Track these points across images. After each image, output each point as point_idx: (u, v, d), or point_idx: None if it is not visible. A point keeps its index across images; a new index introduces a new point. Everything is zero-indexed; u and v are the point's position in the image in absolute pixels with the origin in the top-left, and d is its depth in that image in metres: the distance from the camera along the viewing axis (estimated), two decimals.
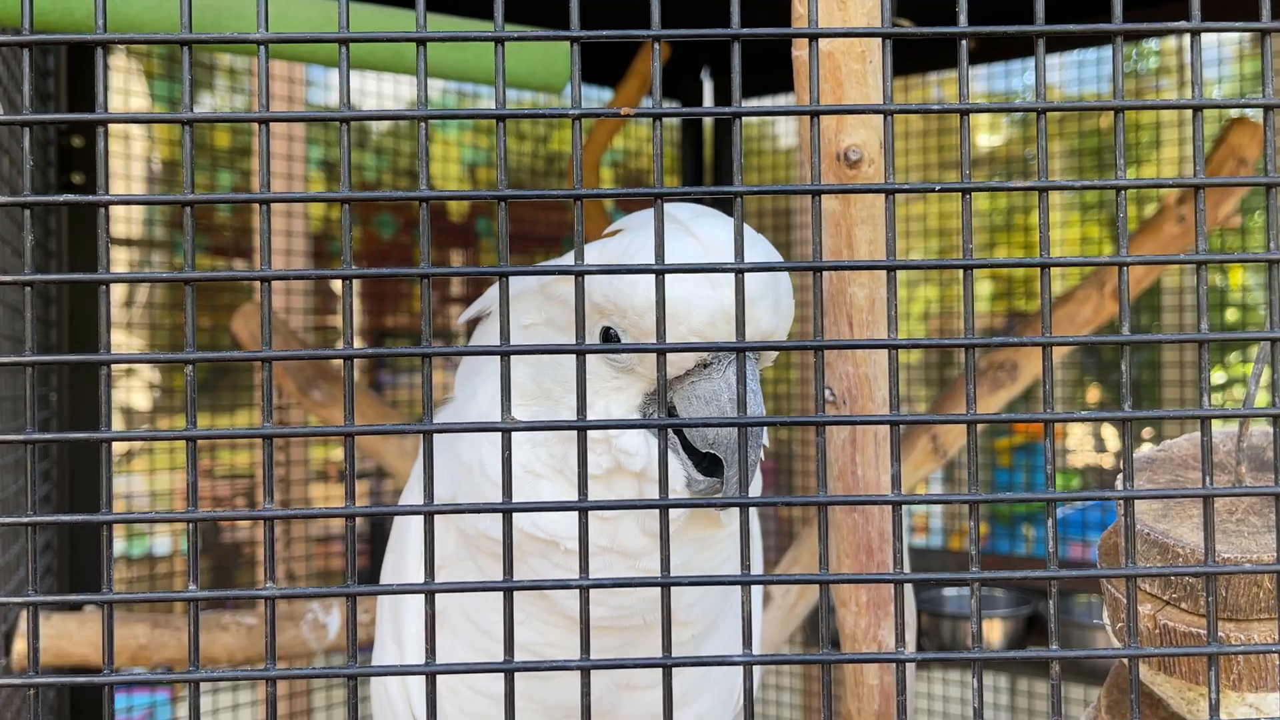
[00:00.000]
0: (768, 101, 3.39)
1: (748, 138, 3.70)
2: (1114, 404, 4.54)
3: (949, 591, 2.93)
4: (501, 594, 1.15)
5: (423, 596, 1.19)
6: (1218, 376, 4.05)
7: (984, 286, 4.45)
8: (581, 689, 0.70)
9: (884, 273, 1.07)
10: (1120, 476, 0.74)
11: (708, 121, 3.49)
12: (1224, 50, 3.42)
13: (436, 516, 0.75)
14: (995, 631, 2.75)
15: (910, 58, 2.96)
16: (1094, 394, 4.54)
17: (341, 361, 0.70)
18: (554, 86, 2.00)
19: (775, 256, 0.99)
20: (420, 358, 0.70)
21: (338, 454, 3.95)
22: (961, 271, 0.70)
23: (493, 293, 1.18)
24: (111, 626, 0.70)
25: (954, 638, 2.76)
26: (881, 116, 1.06)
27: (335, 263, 4.02)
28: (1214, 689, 0.70)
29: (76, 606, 1.91)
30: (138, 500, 3.58)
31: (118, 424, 3.59)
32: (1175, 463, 0.89)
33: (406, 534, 1.24)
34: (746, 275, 0.64)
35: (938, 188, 0.71)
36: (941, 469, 3.46)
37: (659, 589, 0.71)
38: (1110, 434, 4.47)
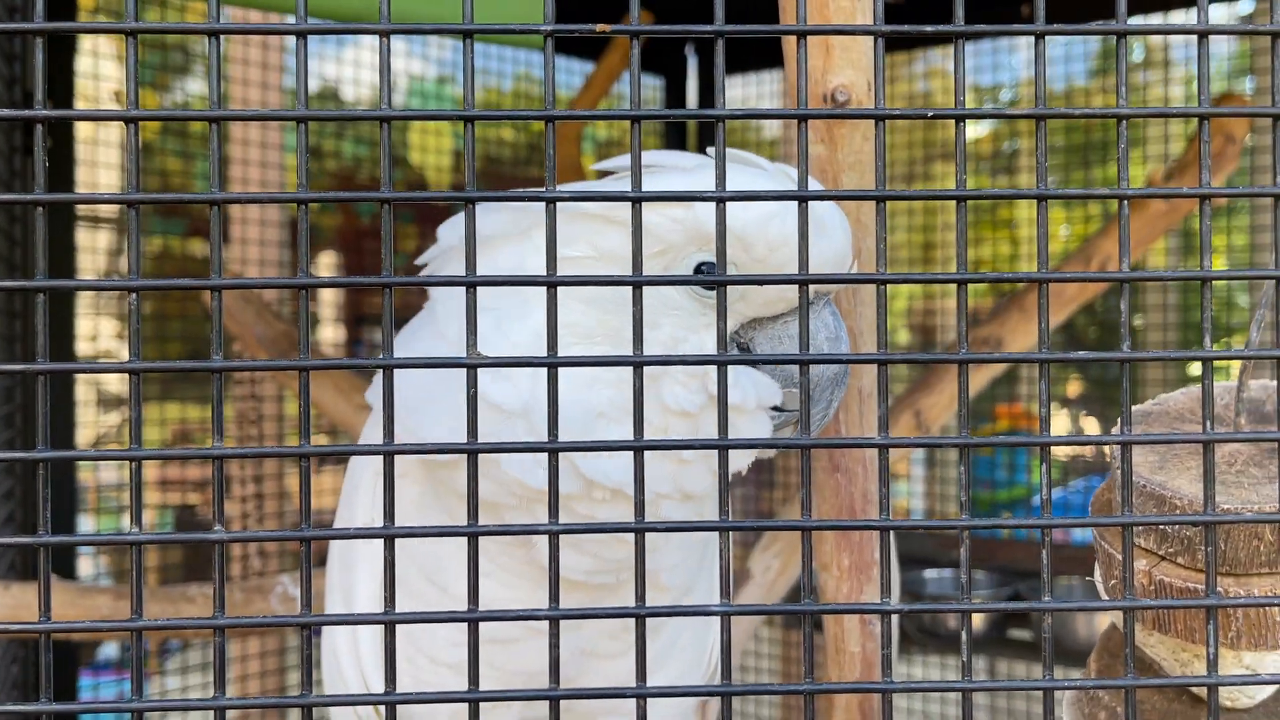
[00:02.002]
0: (752, 79, 3.35)
1: (730, 129, 3.66)
2: (1095, 397, 4.54)
3: (929, 574, 2.91)
4: (466, 545, 1.10)
5: (375, 564, 1.15)
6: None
7: None
8: (550, 640, 0.66)
9: (875, 221, 1.04)
10: (1119, 422, 0.71)
11: (692, 101, 3.45)
12: (1197, 49, 3.40)
13: (396, 462, 0.70)
14: (975, 614, 2.72)
15: (895, 39, 2.93)
16: (1074, 387, 4.52)
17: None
18: (533, 43, 1.96)
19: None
20: (380, 288, 0.66)
21: (316, 439, 3.89)
22: (954, 204, 0.66)
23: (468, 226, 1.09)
24: (48, 572, 0.65)
25: (934, 620, 2.74)
26: (870, 49, 1.03)
27: (314, 248, 3.96)
28: (1213, 644, 0.67)
29: (27, 573, 1.86)
30: (106, 487, 3.52)
31: (89, 411, 3.53)
32: (1171, 416, 0.86)
33: (357, 487, 1.16)
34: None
35: (930, 114, 0.67)
36: (923, 450, 3.44)
37: (655, 544, 0.67)
38: (1088, 423, 4.46)
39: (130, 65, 0.64)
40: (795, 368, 0.96)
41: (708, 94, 3.32)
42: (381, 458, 1.17)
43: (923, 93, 4.05)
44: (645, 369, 0.97)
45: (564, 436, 0.94)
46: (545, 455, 0.67)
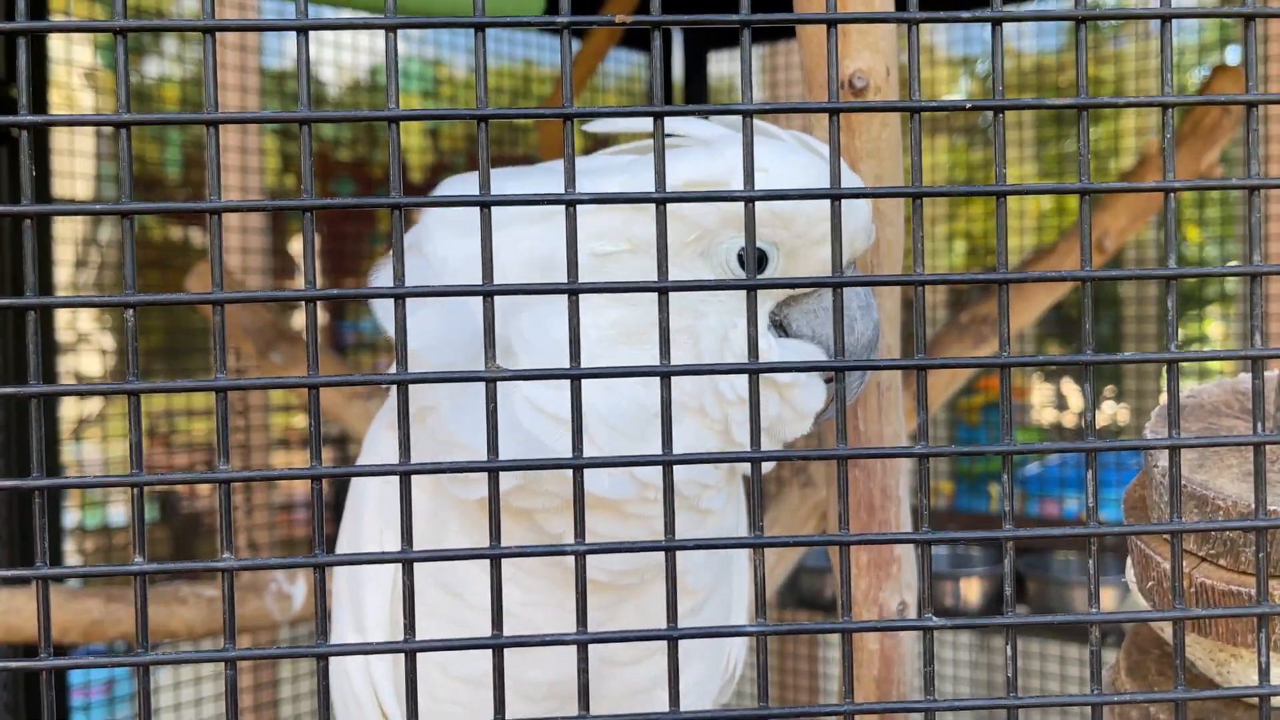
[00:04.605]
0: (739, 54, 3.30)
1: (715, 91, 3.61)
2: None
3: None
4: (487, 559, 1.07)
5: (384, 575, 1.12)
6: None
7: (959, 245, 4.41)
8: (579, 666, 0.63)
9: (892, 210, 1.01)
10: (1158, 420, 0.68)
11: (679, 83, 3.41)
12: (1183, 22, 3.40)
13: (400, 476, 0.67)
14: (973, 590, 2.72)
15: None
16: (1052, 350, 4.51)
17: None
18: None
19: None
20: (390, 208, 0.62)
21: (299, 421, 3.85)
22: (995, 199, 0.63)
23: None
24: (48, 606, 0.62)
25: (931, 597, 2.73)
26: (888, 33, 0.99)
27: (292, 224, 3.91)
28: (1264, 652, 0.65)
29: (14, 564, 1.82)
30: (90, 469, 3.47)
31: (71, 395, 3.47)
32: (1206, 410, 0.83)
33: (363, 497, 1.12)
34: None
35: (969, 105, 0.64)
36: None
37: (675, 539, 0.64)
38: (1071, 390, 4.45)
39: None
40: (831, 337, 0.95)
41: (693, 68, 3.28)
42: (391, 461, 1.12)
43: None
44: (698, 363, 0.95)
45: (620, 437, 0.92)
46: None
